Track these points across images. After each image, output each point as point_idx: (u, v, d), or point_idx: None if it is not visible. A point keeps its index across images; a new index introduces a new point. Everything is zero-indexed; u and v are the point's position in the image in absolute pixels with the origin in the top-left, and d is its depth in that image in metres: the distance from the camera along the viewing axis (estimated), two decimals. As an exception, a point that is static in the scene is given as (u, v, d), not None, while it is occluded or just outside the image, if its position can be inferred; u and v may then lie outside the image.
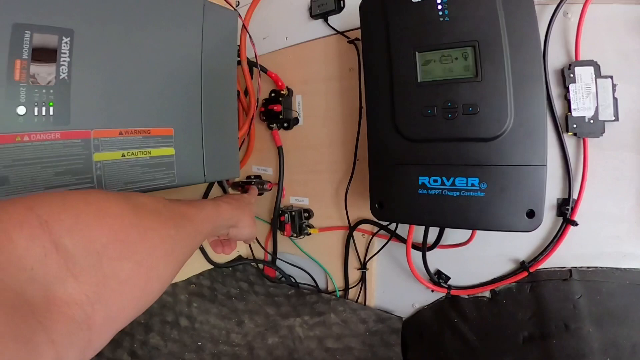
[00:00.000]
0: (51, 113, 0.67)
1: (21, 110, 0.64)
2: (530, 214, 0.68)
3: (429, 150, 0.75)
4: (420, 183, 0.76)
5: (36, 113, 0.66)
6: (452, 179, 0.73)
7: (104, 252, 0.38)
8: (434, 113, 0.73)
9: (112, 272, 0.39)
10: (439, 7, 0.72)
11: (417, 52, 0.75)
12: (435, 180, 0.74)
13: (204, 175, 0.90)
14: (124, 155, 0.75)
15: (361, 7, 0.85)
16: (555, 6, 0.77)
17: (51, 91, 0.67)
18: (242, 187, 1.20)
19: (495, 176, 0.69)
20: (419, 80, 0.75)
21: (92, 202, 0.41)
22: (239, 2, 1.31)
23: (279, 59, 1.23)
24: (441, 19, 0.72)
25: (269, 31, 1.23)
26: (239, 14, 1.10)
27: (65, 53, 0.68)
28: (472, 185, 0.71)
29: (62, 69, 0.68)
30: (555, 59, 0.80)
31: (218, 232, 0.73)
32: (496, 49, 0.68)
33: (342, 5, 1.06)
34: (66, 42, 0.68)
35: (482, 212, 0.71)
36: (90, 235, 0.38)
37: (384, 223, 0.98)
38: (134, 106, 0.77)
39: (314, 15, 1.10)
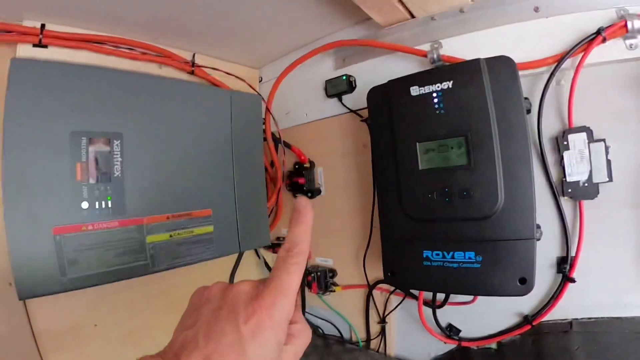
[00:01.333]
0: (110, 206, 0.79)
1: (85, 205, 0.76)
2: (522, 280, 0.74)
3: (431, 228, 0.83)
4: (424, 256, 0.83)
5: (97, 206, 0.77)
6: (451, 252, 0.80)
7: None
8: (433, 197, 0.81)
9: None
10: (435, 100, 0.81)
11: (417, 143, 0.83)
12: (437, 254, 0.82)
13: (239, 246, 0.98)
14: (172, 236, 0.85)
15: (368, 96, 0.95)
16: (548, 75, 0.81)
17: (108, 187, 0.79)
18: (273, 248, 1.28)
19: (489, 250, 0.76)
20: (420, 168, 0.83)
21: None
22: (261, 77, 1.43)
23: (300, 133, 1.32)
24: (437, 112, 0.81)
25: (291, 107, 1.34)
26: (262, 98, 1.22)
27: (117, 154, 0.80)
28: (469, 258, 0.78)
29: (116, 168, 0.80)
30: (550, 127, 0.84)
31: None
32: (486, 138, 0.76)
33: (353, 86, 1.15)
34: (117, 144, 0.81)
35: (479, 280, 0.77)
36: None
37: (398, 286, 1.06)
38: (177, 193, 0.88)
39: (329, 95, 1.20)
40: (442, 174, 0.81)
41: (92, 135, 0.78)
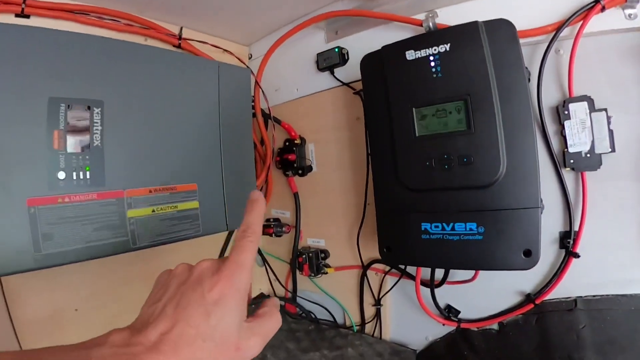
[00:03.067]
0: (88, 176, 0.74)
1: (61, 175, 0.71)
2: (527, 253, 0.71)
3: (429, 199, 0.80)
4: (423, 229, 0.80)
5: (74, 177, 0.72)
6: (451, 224, 0.77)
7: None
8: (432, 165, 0.78)
9: None
10: (432, 64, 0.78)
11: (414, 108, 0.80)
12: (437, 226, 0.79)
13: (227, 224, 0.94)
14: (154, 211, 0.81)
15: (362, 64, 0.92)
16: (547, 44, 0.80)
17: (87, 157, 0.74)
18: (263, 229, 1.24)
19: (491, 220, 0.73)
20: (416, 135, 0.80)
21: None
22: (251, 54, 1.39)
23: (291, 109, 1.29)
24: (434, 75, 0.77)
25: (281, 83, 1.31)
26: (252, 71, 1.18)
27: (97, 122, 0.76)
28: (471, 229, 0.75)
29: (95, 137, 0.75)
30: (550, 97, 0.83)
31: None
32: (486, 102, 0.73)
33: (346, 58, 1.13)
34: (97, 112, 0.76)
35: (481, 254, 0.74)
36: None
37: (393, 264, 1.04)
38: (161, 166, 0.84)
39: (320, 68, 1.17)
40: (441, 140, 0.78)
41: (72, 102, 0.73)
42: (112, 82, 0.79)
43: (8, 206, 0.67)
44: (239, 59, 1.29)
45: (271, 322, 0.46)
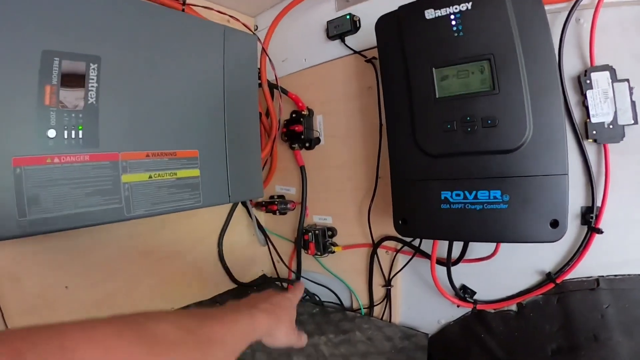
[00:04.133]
0: (80, 136, 0.70)
1: (51, 133, 0.67)
2: (554, 223, 0.67)
3: (450, 165, 0.76)
4: (442, 198, 0.76)
5: (66, 136, 0.69)
6: (474, 192, 0.73)
7: None
8: (453, 128, 0.74)
9: None
10: (453, 22, 0.74)
11: (433, 69, 0.76)
12: (458, 195, 0.75)
13: (229, 196, 0.91)
14: (151, 177, 0.78)
15: (377, 26, 0.88)
16: (567, 13, 0.77)
17: (80, 115, 0.70)
18: (266, 207, 1.22)
19: (517, 187, 0.70)
20: (437, 96, 0.76)
21: (99, 341, 0.37)
22: (257, 26, 1.37)
23: (298, 80, 1.26)
24: (456, 35, 0.74)
25: (288, 53, 1.28)
26: (259, 38, 1.14)
27: (93, 79, 0.72)
28: (495, 197, 0.71)
29: (91, 94, 0.71)
30: (571, 66, 0.80)
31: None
32: (512, 61, 0.69)
33: (357, 26, 1.10)
34: (94, 69, 0.72)
35: (506, 224, 0.70)
36: None
37: (408, 239, 0.99)
38: (160, 129, 0.81)
39: (331, 37, 1.14)
40: (463, 101, 0.74)
41: (67, 57, 0.69)
42: (112, 38, 0.75)
43: None
44: (245, 26, 1.25)
45: (299, 290, 0.79)
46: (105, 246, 0.95)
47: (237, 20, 1.24)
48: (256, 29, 1.37)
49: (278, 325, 0.63)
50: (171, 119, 0.83)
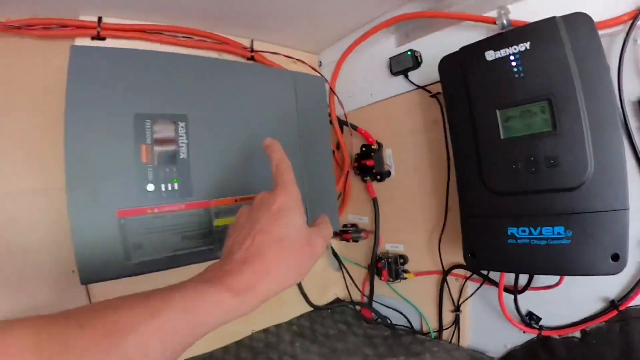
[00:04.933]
0: (176, 188, 0.82)
1: (150, 187, 0.80)
2: (615, 257, 0.73)
3: (516, 203, 0.84)
4: (509, 233, 0.84)
5: (163, 189, 0.81)
6: (539, 228, 0.80)
7: None
8: (518, 168, 0.82)
9: None
10: (513, 63, 0.82)
11: (497, 110, 0.85)
12: (524, 231, 0.82)
13: None
14: None
15: (440, 66, 0.98)
16: (624, 35, 0.81)
17: (174, 169, 0.83)
18: (340, 235, 1.35)
19: (579, 223, 0.76)
20: (502, 137, 0.85)
21: None
22: (320, 62, 1.51)
23: (365, 114, 1.38)
24: (516, 76, 0.82)
25: (354, 89, 1.41)
26: (326, 79, 1.29)
27: (182, 136, 0.84)
28: (558, 233, 0.78)
29: (182, 150, 0.84)
30: (631, 91, 0.82)
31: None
32: (570, 100, 0.76)
33: (419, 61, 1.20)
34: (182, 126, 0.85)
35: (569, 258, 0.77)
36: None
37: (477, 270, 1.07)
38: (244, 175, 0.93)
39: (394, 73, 1.25)
40: (526, 142, 0.82)
41: (157, 117, 0.82)
42: (194, 97, 0.88)
43: (100, 217, 0.75)
44: (312, 68, 1.40)
45: (327, 228, 0.63)
46: (186, 277, 1.09)
47: (303, 62, 1.39)
48: (320, 65, 1.51)
49: (266, 269, 0.50)
50: (254, 165, 0.94)
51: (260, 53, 1.29)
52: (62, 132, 0.96)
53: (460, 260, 1.00)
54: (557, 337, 0.97)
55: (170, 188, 0.82)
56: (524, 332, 1.01)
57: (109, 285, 0.76)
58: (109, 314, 0.40)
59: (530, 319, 1.01)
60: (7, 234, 0.94)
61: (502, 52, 0.83)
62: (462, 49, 0.91)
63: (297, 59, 1.38)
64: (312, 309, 1.47)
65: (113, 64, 0.79)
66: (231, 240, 0.57)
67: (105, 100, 0.77)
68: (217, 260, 0.55)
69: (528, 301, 1.01)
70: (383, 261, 1.31)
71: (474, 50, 0.88)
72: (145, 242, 0.78)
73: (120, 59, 0.81)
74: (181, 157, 0.84)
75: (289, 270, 0.52)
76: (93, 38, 1.03)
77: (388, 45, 1.30)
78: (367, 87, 1.37)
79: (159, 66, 0.85)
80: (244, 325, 1.32)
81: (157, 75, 0.84)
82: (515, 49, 0.81)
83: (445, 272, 1.18)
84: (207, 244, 0.87)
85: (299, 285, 1.43)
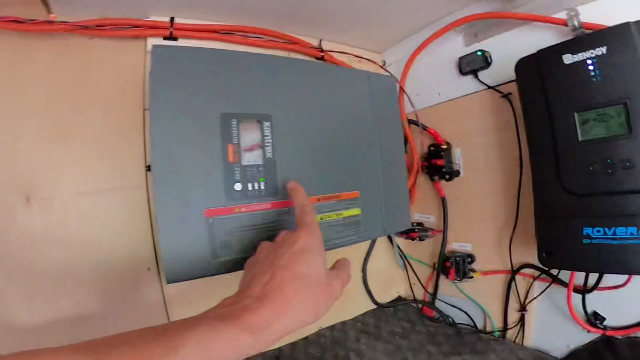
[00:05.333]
0: (262, 187, 0.86)
1: (238, 186, 0.83)
2: None
3: (592, 203, 0.88)
4: (584, 233, 0.89)
5: (250, 188, 0.84)
6: (613, 228, 0.84)
7: None
8: (595, 170, 0.87)
9: None
10: (590, 68, 0.86)
11: (575, 113, 0.90)
12: (598, 231, 0.86)
13: (383, 230, 1.09)
14: (322, 218, 0.95)
15: (517, 67, 1.02)
16: None
17: (260, 169, 0.86)
18: (406, 234, 1.41)
19: None
20: (579, 139, 0.89)
21: None
22: (384, 61, 1.57)
23: (433, 113, 1.44)
24: (593, 80, 0.86)
25: (421, 88, 1.47)
26: (397, 79, 1.36)
27: (267, 135, 0.88)
28: (631, 234, 0.82)
29: (267, 149, 0.88)
30: None
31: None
32: None
33: (489, 61, 1.25)
34: (267, 126, 0.88)
35: None
36: None
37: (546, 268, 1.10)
38: (326, 175, 0.97)
39: (463, 72, 1.31)
40: (603, 144, 0.86)
41: (243, 117, 0.85)
42: (277, 96, 0.92)
43: (188, 217, 0.78)
44: (382, 67, 1.48)
45: (347, 271, 0.68)
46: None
47: (374, 62, 1.49)
48: (384, 64, 1.57)
49: (284, 306, 0.53)
50: (335, 164, 0.99)
51: (330, 53, 1.37)
52: (137, 131, 1.07)
53: (529, 259, 1.07)
54: (621, 337, 1.01)
55: (257, 187, 0.86)
56: (588, 331, 1.05)
57: (181, 284, 0.79)
58: (125, 350, 0.41)
59: (595, 319, 1.05)
60: (83, 233, 0.99)
61: (580, 56, 0.88)
62: (540, 51, 0.96)
63: (366, 59, 1.46)
64: (375, 306, 1.54)
65: (196, 63, 0.83)
66: (250, 275, 0.60)
67: (189, 100, 0.81)
68: (233, 295, 0.56)
69: (593, 301, 1.05)
70: (451, 260, 1.36)
71: (552, 53, 0.93)
72: (232, 241, 0.82)
73: (203, 59, 0.84)
74: (267, 156, 0.88)
75: (307, 307, 0.55)
76: (165, 38, 1.09)
77: (456, 45, 1.35)
78: (435, 86, 1.43)
79: (241, 65, 0.88)
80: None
81: (240, 75, 0.88)
82: (592, 53, 0.86)
83: (514, 272, 1.22)
84: (292, 242, 0.92)
85: (365, 283, 1.51)
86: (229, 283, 0.71)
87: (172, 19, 1.09)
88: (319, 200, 0.95)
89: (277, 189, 0.89)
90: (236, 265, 0.81)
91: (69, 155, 1.00)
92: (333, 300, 0.60)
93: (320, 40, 1.38)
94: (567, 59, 0.90)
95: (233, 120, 0.84)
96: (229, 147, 0.83)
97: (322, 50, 1.35)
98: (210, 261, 0.79)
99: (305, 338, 1.35)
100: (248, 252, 0.80)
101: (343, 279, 0.64)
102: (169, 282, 0.75)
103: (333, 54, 1.38)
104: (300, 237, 0.62)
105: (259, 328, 0.49)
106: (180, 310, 1.10)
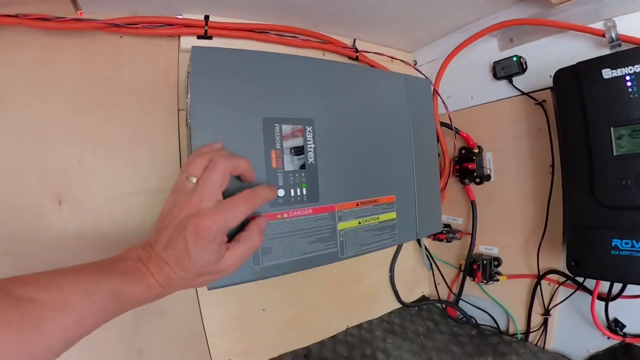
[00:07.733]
0: (304, 193, 0.90)
1: (281, 192, 0.87)
2: None
3: (622, 216, 0.97)
4: (613, 245, 0.97)
5: (292, 194, 0.89)
6: None
7: None
8: (627, 184, 0.95)
9: None
10: (629, 84, 0.94)
11: (611, 127, 0.97)
12: (627, 243, 0.95)
13: (416, 233, 1.17)
14: (360, 223, 1.01)
15: (555, 78, 1.11)
16: None
17: (303, 174, 0.90)
18: (434, 235, 1.54)
19: None
20: (614, 154, 0.97)
21: None
22: (415, 61, 1.75)
23: (465, 116, 1.55)
24: (631, 96, 0.94)
25: (453, 90, 1.59)
26: (431, 81, 1.45)
27: (310, 140, 0.92)
28: None
29: (310, 155, 0.92)
30: None
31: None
32: None
33: (524, 67, 1.35)
34: (309, 131, 0.92)
35: None
36: None
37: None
38: (365, 179, 1.03)
39: (498, 77, 1.42)
40: (637, 160, 0.94)
41: (285, 121, 0.89)
42: (320, 101, 0.96)
43: None
44: (417, 69, 1.60)
45: (250, 243, 0.72)
46: (299, 275, 1.05)
47: (404, 61, 1.64)
48: (415, 64, 1.74)
49: (182, 271, 0.65)
50: (373, 168, 1.05)
51: (364, 53, 1.48)
52: (172, 131, 1.16)
53: (555, 265, 1.21)
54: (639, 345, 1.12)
55: (299, 193, 0.90)
56: (608, 337, 1.17)
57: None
58: (53, 289, 0.54)
59: (615, 326, 1.17)
60: (116, 236, 1.05)
61: (619, 72, 0.96)
62: (580, 64, 1.04)
63: (399, 59, 1.58)
64: (400, 305, 1.71)
65: (236, 65, 0.86)
66: (159, 225, 0.69)
67: (231, 105, 0.84)
68: (141, 248, 0.67)
69: (615, 308, 1.16)
70: (478, 263, 1.49)
71: (591, 67, 1.01)
72: (274, 247, 0.86)
73: (243, 61, 0.87)
74: (309, 161, 0.92)
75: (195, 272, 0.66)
76: (199, 37, 1.16)
77: (491, 49, 1.46)
78: (468, 89, 1.55)
79: (282, 69, 0.92)
80: (339, 320, 1.53)
81: (282, 78, 0.91)
82: (630, 69, 0.94)
83: (540, 277, 1.34)
84: (331, 247, 0.96)
85: (392, 282, 1.68)
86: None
87: (206, 17, 1.17)
88: (357, 205, 1.02)
89: (318, 194, 0.94)
90: (278, 269, 0.87)
91: (101, 157, 1.07)
92: (227, 273, 0.70)
93: (355, 40, 1.49)
94: (607, 73, 0.97)
95: (275, 125, 0.88)
96: (272, 152, 0.87)
97: (357, 50, 1.47)
98: (252, 268, 0.83)
99: (334, 337, 1.49)
100: (289, 257, 0.88)
101: (243, 254, 0.71)
102: (210, 288, 0.79)
103: (368, 54, 1.50)
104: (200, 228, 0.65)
105: (162, 284, 0.64)
106: (211, 311, 1.22)
